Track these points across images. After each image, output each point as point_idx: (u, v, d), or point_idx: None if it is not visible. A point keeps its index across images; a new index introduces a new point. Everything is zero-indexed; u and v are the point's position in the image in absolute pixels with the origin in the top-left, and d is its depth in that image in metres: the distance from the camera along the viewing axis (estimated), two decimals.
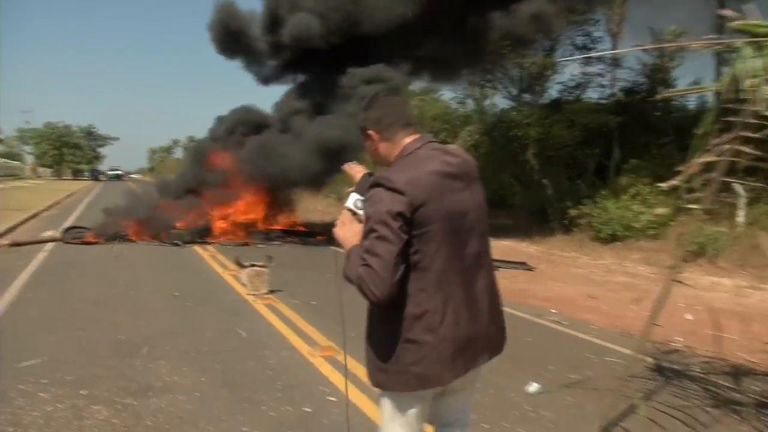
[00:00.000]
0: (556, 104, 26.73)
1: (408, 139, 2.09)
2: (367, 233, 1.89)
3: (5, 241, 12.86)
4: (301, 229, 15.25)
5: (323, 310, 7.37)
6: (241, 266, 8.19)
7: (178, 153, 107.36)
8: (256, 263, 8.19)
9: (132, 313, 6.91)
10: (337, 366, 5.09)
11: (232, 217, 13.95)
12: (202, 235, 13.39)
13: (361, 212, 2.05)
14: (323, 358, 5.40)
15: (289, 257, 11.80)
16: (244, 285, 8.17)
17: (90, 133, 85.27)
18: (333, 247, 12.19)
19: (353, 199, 2.11)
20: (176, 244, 12.82)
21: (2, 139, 77.09)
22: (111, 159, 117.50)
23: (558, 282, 10.04)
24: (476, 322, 2.05)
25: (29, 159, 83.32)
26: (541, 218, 17.85)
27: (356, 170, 2.30)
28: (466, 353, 2.02)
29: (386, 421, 2.13)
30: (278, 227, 14.72)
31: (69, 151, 78.74)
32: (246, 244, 13.32)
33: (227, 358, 5.38)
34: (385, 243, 1.84)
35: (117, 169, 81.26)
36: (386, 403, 2.11)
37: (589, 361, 5.68)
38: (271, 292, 8.15)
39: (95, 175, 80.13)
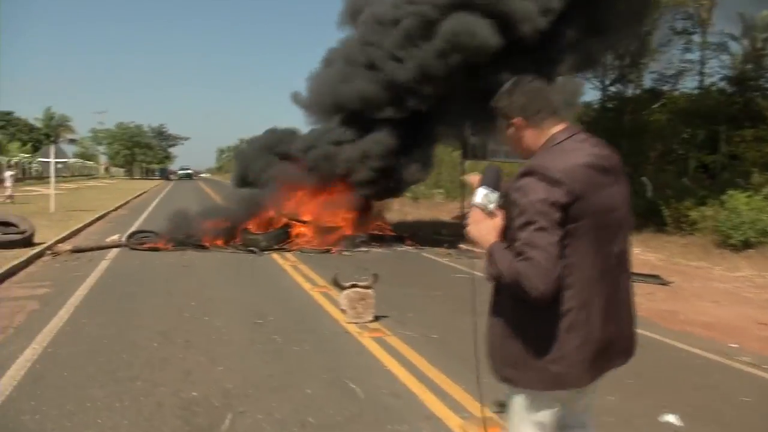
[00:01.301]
0: (653, 94, 24.23)
1: (556, 128, 2.02)
2: (523, 225, 1.80)
3: (67, 246, 11.66)
4: (389, 232, 13.46)
5: (449, 346, 5.55)
6: (340, 287, 6.43)
7: None
8: (358, 283, 6.42)
9: (207, 351, 5.26)
10: None
11: (313, 220, 12.32)
12: (280, 240, 11.80)
13: (492, 206, 1.96)
14: None
15: (382, 268, 9.98)
16: (342, 311, 6.41)
17: (161, 133, 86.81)
18: (476, 272, 10.38)
19: (482, 194, 1.98)
20: (252, 251, 11.28)
21: (76, 140, 79.32)
22: (181, 159, 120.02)
23: (705, 301, 8.42)
24: (618, 324, 1.99)
25: (103, 159, 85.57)
26: (648, 220, 15.53)
27: (474, 180, 2.10)
28: (605, 355, 1.95)
29: (516, 421, 2.06)
30: (363, 231, 12.98)
31: (140, 151, 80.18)
32: (329, 251, 11.64)
33: None
34: (545, 234, 1.76)
35: (187, 169, 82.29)
36: (518, 401, 2.03)
37: None
38: (376, 319, 6.38)
39: (165, 175, 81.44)
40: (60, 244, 11.92)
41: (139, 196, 33.03)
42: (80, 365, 4.85)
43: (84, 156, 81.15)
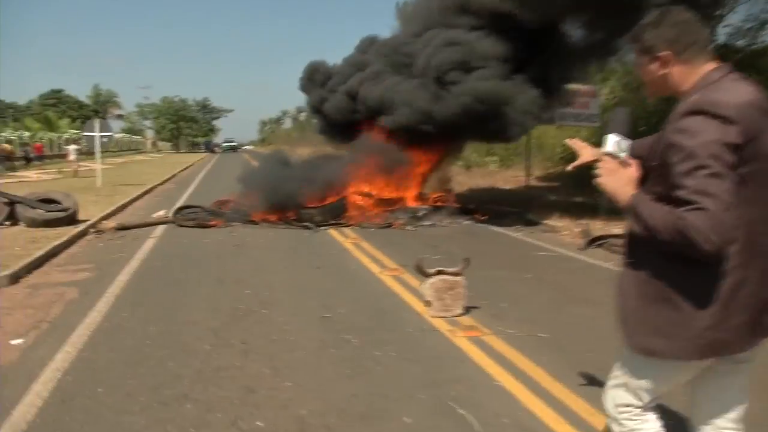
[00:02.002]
0: (725, 51, 22.09)
1: (708, 66, 1.83)
2: (691, 171, 1.61)
3: (112, 223, 10.91)
4: (452, 203, 12.28)
5: (567, 350, 4.44)
6: (425, 274, 5.34)
7: (287, 123, 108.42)
8: (445, 269, 5.32)
9: (269, 358, 4.28)
10: None
11: (373, 192, 11.25)
12: (336, 214, 10.78)
13: (623, 154, 1.83)
14: None
15: (453, 246, 8.91)
16: (427, 303, 5.33)
17: (205, 106, 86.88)
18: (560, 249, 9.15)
19: (613, 142, 1.84)
20: (307, 227, 10.29)
21: (123, 115, 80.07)
22: (224, 131, 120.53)
23: None
24: None
25: (149, 133, 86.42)
26: None
27: (580, 146, 2.13)
28: (765, 319, 1.80)
29: (635, 381, 1.93)
30: (426, 203, 11.84)
31: (186, 125, 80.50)
32: (390, 226, 10.56)
33: None
34: (719, 180, 1.59)
35: (232, 141, 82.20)
36: (651, 368, 1.88)
37: None
38: (467, 311, 5.29)
39: (210, 148, 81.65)
40: (105, 221, 11.20)
41: (185, 169, 32.62)
42: (118, 378, 3.92)
43: (131, 131, 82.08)
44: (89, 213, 12.05)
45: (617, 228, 10.15)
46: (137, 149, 74.63)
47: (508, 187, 19.08)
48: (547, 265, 7.79)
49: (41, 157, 34.95)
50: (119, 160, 45.22)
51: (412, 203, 11.59)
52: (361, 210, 11.05)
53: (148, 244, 9.02)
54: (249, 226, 10.74)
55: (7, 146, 33.62)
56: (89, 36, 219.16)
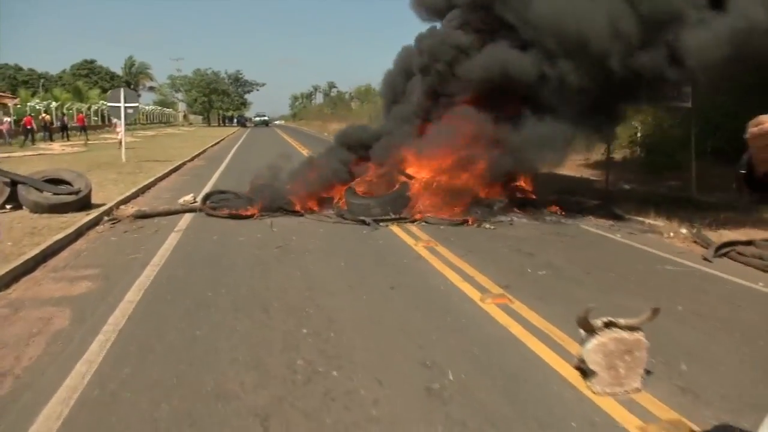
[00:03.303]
0: None
1: None
2: None
3: (130, 210, 9.20)
4: (529, 195, 10.30)
5: None
6: (589, 330, 3.39)
7: (319, 98, 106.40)
8: (616, 321, 3.38)
9: None
10: None
11: (440, 180, 9.30)
12: (398, 207, 8.86)
13: None
14: None
15: (554, 253, 6.96)
16: (589, 373, 3.41)
17: (237, 79, 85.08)
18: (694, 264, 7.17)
19: None
20: (363, 222, 8.41)
21: (155, 87, 78.89)
22: (255, 106, 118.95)
23: None
24: None
25: (181, 106, 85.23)
26: None
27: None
28: None
29: None
30: (500, 194, 9.84)
31: (217, 98, 78.85)
32: (465, 223, 8.62)
33: None
34: None
35: (263, 116, 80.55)
36: None
37: None
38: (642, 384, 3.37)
39: (242, 122, 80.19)
40: (122, 207, 9.50)
41: (216, 144, 31.00)
42: None
43: (163, 103, 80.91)
44: (107, 195, 10.38)
45: (734, 230, 8.35)
46: (168, 122, 73.56)
47: (566, 173, 16.87)
48: (689, 287, 5.80)
49: (83, 128, 33.59)
50: (149, 133, 43.99)
51: (484, 193, 9.59)
52: (424, 200, 9.09)
53: (171, 241, 7.25)
54: (291, 217, 8.91)
55: (47, 116, 32.41)
56: (123, 7, 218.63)
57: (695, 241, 8.17)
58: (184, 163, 18.38)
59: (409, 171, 9.51)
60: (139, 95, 74.15)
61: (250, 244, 7.09)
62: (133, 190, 11.34)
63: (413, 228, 8.28)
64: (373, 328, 4.36)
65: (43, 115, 32.46)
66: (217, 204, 9.18)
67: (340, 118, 53.32)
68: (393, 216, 8.61)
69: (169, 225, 8.23)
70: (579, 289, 5.48)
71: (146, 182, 12.61)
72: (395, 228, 8.27)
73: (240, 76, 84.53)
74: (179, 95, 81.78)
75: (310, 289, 5.32)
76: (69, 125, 33.73)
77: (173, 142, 31.03)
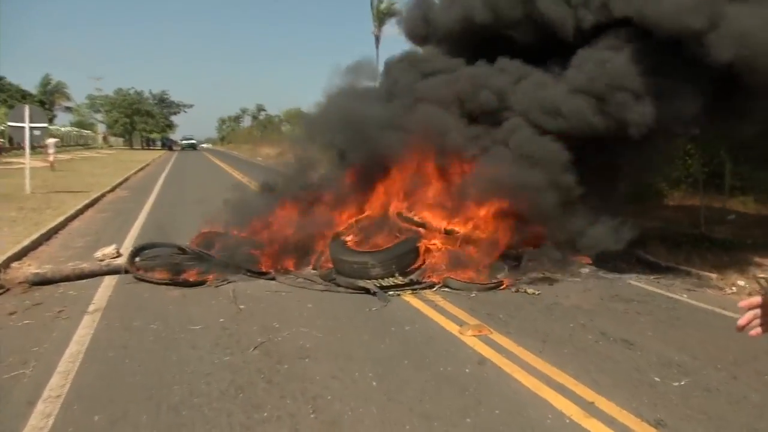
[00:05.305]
0: None
1: None
2: None
3: (26, 268, 6.51)
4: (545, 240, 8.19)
5: None
6: None
7: (247, 121, 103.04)
8: None
9: None
10: None
11: (458, 228, 7.04)
12: (404, 265, 6.52)
13: None
14: None
15: (649, 340, 4.85)
16: None
17: (162, 100, 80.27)
18: None
19: None
20: (365, 291, 6.02)
21: (72, 108, 73.11)
22: (182, 128, 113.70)
23: None
24: None
25: (101, 128, 79.77)
26: None
27: None
28: None
29: None
30: (523, 243, 7.68)
31: (140, 119, 73.80)
32: (500, 286, 6.41)
33: None
34: None
35: (191, 138, 76.41)
36: None
37: None
38: None
39: (168, 145, 75.71)
40: (15, 265, 6.77)
41: (141, 169, 27.69)
42: None
43: (81, 125, 75.32)
44: None
45: None
46: (86, 144, 68.35)
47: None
48: None
49: None
50: (64, 156, 39.74)
51: (507, 243, 7.39)
52: (439, 255, 6.82)
53: (82, 334, 4.65)
54: (258, 281, 6.43)
55: None
56: (41, 28, 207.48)
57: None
58: (103, 195, 15.34)
59: (419, 215, 7.20)
60: (54, 116, 68.75)
61: (213, 342, 4.56)
62: (35, 236, 8.48)
63: (436, 297, 5.97)
64: None
65: None
66: (151, 262, 6.56)
67: (272, 142, 50.63)
68: (404, 281, 6.27)
69: (82, 299, 5.60)
70: (744, 412, 3.35)
71: (54, 223, 9.72)
72: (410, 298, 5.93)
73: (166, 96, 79.97)
74: (99, 116, 76.38)
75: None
76: None
77: (91, 167, 27.44)
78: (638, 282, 7.20)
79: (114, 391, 3.60)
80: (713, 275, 7.57)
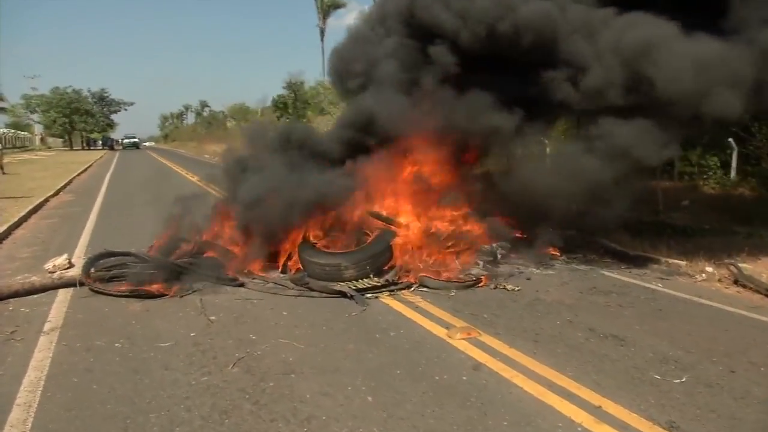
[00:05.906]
0: None
1: None
2: None
3: None
4: (517, 234, 8.05)
5: None
6: None
7: (190, 118, 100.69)
8: None
9: None
10: None
11: (437, 225, 6.84)
12: (378, 265, 6.29)
13: None
14: None
15: (639, 334, 4.77)
16: None
17: (102, 99, 77.32)
18: None
19: None
20: (342, 295, 5.75)
21: (6, 108, 69.53)
22: (123, 127, 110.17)
23: None
24: None
25: (38, 129, 76.36)
26: None
27: None
28: None
29: None
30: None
31: (80, 119, 70.91)
32: (478, 283, 6.24)
33: None
34: None
35: (133, 137, 73.99)
36: None
37: None
38: None
39: (109, 144, 73.18)
40: None
41: (84, 171, 26.55)
42: None
43: (17, 126, 71.91)
44: None
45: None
46: (23, 146, 65.29)
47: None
48: None
49: None
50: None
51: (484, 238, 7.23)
52: (412, 252, 6.61)
53: (39, 358, 4.23)
54: (225, 289, 6.08)
55: None
56: None
57: (738, 282, 6.58)
58: (47, 200, 14.52)
59: (386, 211, 6.97)
60: None
61: (187, 360, 4.22)
62: None
63: (415, 298, 5.75)
64: None
65: None
66: (108, 272, 6.11)
67: (217, 139, 49.49)
68: (380, 282, 6.03)
69: (35, 317, 5.14)
70: (751, 408, 3.27)
71: None
72: (389, 300, 5.70)
73: (105, 94, 77.12)
74: (35, 116, 73.02)
75: None
76: None
77: (30, 170, 26.09)
78: (611, 273, 7.17)
79: (84, 423, 3.24)
80: (682, 263, 7.60)
